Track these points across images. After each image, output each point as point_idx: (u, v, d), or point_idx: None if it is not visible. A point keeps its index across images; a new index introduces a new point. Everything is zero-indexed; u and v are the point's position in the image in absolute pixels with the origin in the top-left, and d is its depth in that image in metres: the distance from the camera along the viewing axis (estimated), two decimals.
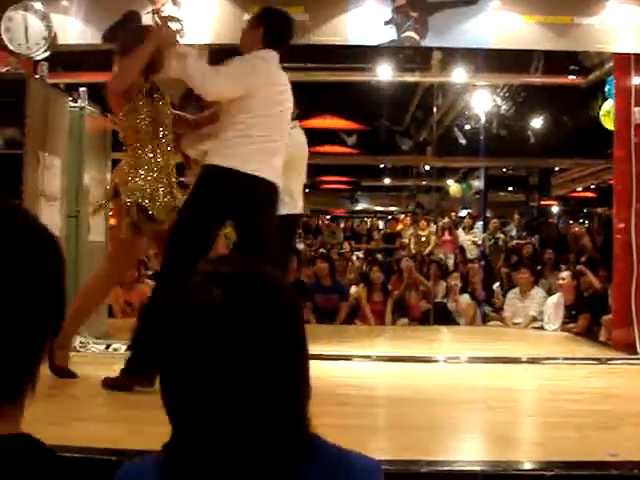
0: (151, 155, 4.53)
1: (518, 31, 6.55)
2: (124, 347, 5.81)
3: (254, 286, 1.14)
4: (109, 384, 4.22)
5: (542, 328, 8.67)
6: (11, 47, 6.32)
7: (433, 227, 13.52)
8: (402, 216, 17.80)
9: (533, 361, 6.11)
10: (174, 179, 4.68)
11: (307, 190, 20.13)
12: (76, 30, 6.51)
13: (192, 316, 1.11)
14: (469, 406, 4.48)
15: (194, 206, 4.34)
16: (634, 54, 6.68)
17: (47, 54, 6.35)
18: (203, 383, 1.08)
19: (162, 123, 4.59)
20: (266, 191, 4.41)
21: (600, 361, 6.14)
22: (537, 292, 9.11)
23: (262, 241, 4.30)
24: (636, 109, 6.71)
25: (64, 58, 7.26)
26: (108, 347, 5.92)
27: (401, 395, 4.69)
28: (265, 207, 4.43)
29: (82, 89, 6.63)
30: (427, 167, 16.63)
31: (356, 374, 5.38)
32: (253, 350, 1.09)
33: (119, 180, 4.56)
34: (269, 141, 4.41)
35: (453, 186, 17.08)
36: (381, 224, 18.62)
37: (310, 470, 1.14)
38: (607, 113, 7.24)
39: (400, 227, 15.59)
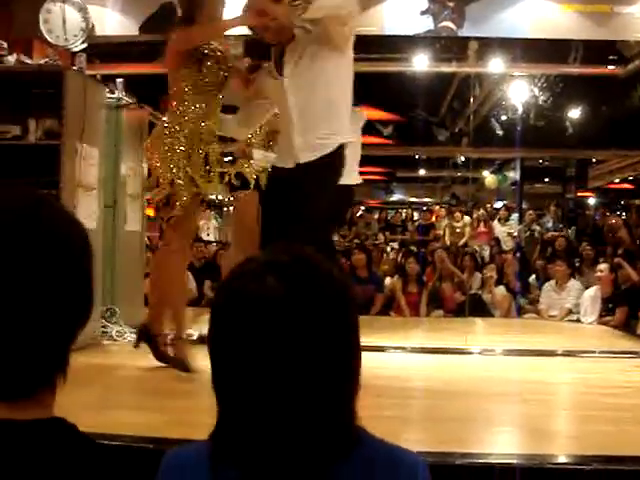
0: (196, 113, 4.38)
1: (556, 20, 6.50)
2: (196, 334, 5.81)
3: (311, 276, 1.15)
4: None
5: (578, 321, 8.59)
6: (49, 39, 6.40)
7: (468, 219, 13.44)
8: (436, 207, 17.71)
9: (569, 354, 6.04)
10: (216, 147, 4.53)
11: None
12: (113, 22, 6.59)
13: (248, 304, 1.12)
14: (504, 399, 4.45)
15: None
16: None
17: (84, 46, 6.42)
18: (256, 371, 1.10)
19: (212, 87, 4.44)
20: None
21: (638, 355, 6.07)
22: (573, 284, 9.02)
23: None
24: None
25: (101, 49, 7.33)
26: None
27: (435, 387, 4.68)
28: None
29: (119, 80, 6.67)
30: (462, 158, 16.52)
31: (391, 365, 5.36)
32: (307, 340, 1.10)
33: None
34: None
35: (489, 177, 16.96)
36: (415, 215, 18.53)
37: (351, 462, 1.14)
38: None
39: (434, 218, 15.51)
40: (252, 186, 5.24)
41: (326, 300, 1.13)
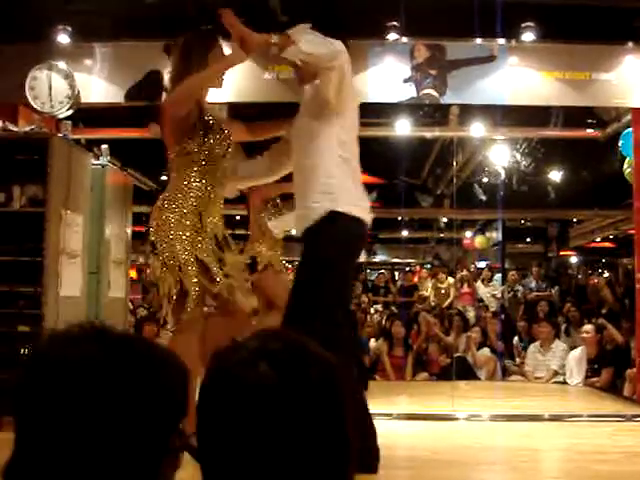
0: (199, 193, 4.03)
1: (536, 87, 6.61)
2: None
3: (304, 365, 1.13)
4: None
5: (564, 382, 8.56)
6: (35, 106, 6.43)
7: (451, 279, 13.46)
8: (418, 268, 17.72)
9: (557, 418, 6.02)
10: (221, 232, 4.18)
11: None
12: (99, 89, 6.63)
13: (240, 391, 1.10)
14: (492, 467, 4.42)
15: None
16: None
17: (70, 112, 6.46)
18: (246, 457, 1.08)
19: (217, 159, 4.11)
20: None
21: (625, 418, 6.05)
22: (558, 345, 9.01)
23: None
24: None
25: (86, 113, 7.37)
26: None
27: (421, 456, 4.62)
28: None
29: (104, 146, 6.71)
30: (445, 219, 16.63)
31: (378, 433, 5.29)
32: (298, 427, 1.08)
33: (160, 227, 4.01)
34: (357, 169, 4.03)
35: (479, 238, 17.05)
36: (397, 275, 18.54)
37: None
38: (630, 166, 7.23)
39: (416, 279, 15.52)
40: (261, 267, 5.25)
41: (318, 389, 1.11)
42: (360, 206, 3.93)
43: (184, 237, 3.93)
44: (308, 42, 3.65)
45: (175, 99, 4.04)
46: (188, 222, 3.96)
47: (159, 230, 3.96)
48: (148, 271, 4.28)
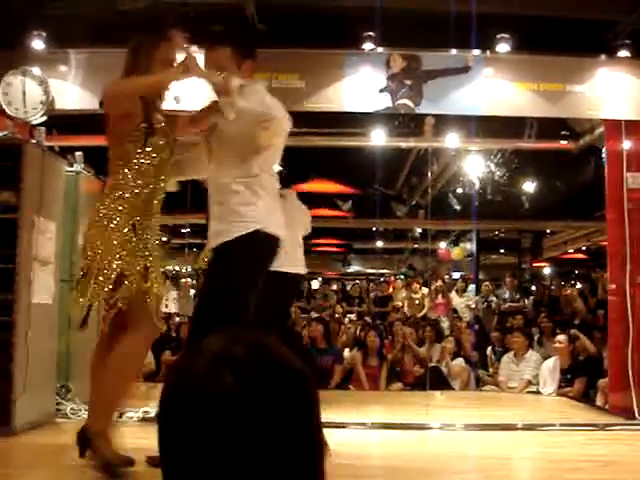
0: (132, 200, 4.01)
1: (510, 98, 6.66)
2: (125, 415, 5.69)
3: (270, 372, 1.05)
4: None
5: (538, 392, 8.60)
6: (8, 111, 6.37)
7: (426, 290, 13.49)
8: (392, 278, 17.76)
9: (530, 427, 6.04)
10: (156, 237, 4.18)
11: None
12: (74, 95, 6.59)
13: (203, 406, 1.02)
14: (465, 476, 4.41)
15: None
16: (624, 120, 6.79)
17: (44, 119, 6.41)
18: (215, 475, 1.01)
19: (153, 165, 4.10)
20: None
21: (598, 427, 6.09)
22: (531, 355, 9.06)
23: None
24: (628, 174, 6.79)
25: (59, 121, 7.31)
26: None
27: (397, 465, 4.62)
28: None
29: (78, 153, 6.66)
30: (419, 230, 16.70)
31: (351, 442, 5.29)
32: (269, 439, 1.02)
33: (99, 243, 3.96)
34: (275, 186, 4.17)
35: (456, 249, 17.11)
36: (372, 287, 18.58)
37: None
38: None
39: (391, 290, 15.55)
40: None
41: (289, 397, 1.05)
42: (276, 224, 4.03)
43: (116, 246, 3.94)
44: (246, 99, 3.76)
45: (112, 93, 4.08)
46: (119, 231, 3.96)
47: (93, 240, 3.97)
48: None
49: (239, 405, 1.01)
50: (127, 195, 4.01)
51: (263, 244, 3.95)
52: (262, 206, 3.96)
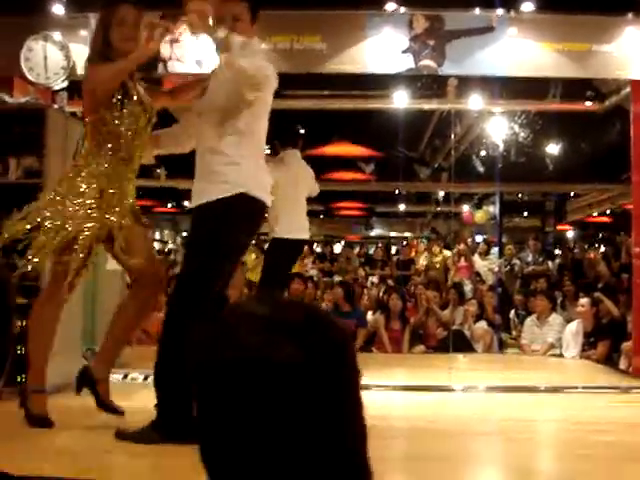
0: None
1: (535, 58, 6.57)
2: (142, 376, 5.81)
3: (328, 340, 1.03)
4: (128, 437, 3.78)
5: (561, 355, 8.59)
6: (30, 77, 6.38)
7: (447, 252, 13.44)
8: (415, 242, 17.70)
9: (553, 390, 6.04)
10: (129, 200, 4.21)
11: (321, 216, 20.23)
12: None
13: (260, 370, 0.99)
14: (488, 438, 4.43)
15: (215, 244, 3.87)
16: None
17: (66, 84, 6.41)
18: (259, 440, 0.98)
19: (128, 133, 4.12)
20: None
21: (621, 390, 6.08)
22: (555, 319, 9.03)
23: None
24: None
25: (81, 85, 7.31)
26: (126, 376, 5.90)
27: (419, 426, 4.65)
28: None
29: None
30: (442, 193, 16.63)
31: (374, 404, 5.31)
32: (316, 403, 1.00)
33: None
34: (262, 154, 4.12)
35: (479, 213, 17.02)
36: (394, 249, 18.54)
37: None
38: None
39: (413, 253, 15.51)
40: None
41: (341, 364, 1.04)
42: (262, 187, 3.98)
43: (81, 209, 4.01)
44: (245, 59, 3.73)
45: (100, 81, 4.07)
46: (88, 195, 4.03)
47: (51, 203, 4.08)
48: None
49: (302, 371, 0.99)
50: (100, 162, 4.07)
51: (247, 208, 3.90)
52: (246, 167, 3.90)
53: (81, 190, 4.05)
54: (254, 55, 3.87)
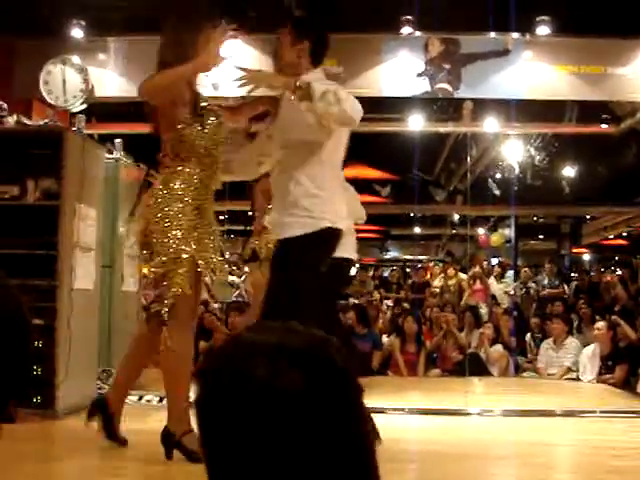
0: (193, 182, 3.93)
1: (550, 81, 6.59)
2: (157, 399, 5.81)
3: (329, 366, 1.02)
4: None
5: (578, 379, 8.52)
6: (49, 100, 6.46)
7: (462, 275, 13.40)
8: (431, 264, 17.66)
9: (569, 414, 5.99)
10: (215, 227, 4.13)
11: None
12: (113, 83, 6.65)
13: (260, 397, 0.98)
14: (505, 462, 4.40)
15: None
16: None
17: (84, 107, 6.48)
18: (264, 468, 0.97)
19: (211, 147, 4.02)
20: None
21: (639, 414, 6.01)
22: (571, 342, 8.97)
23: None
24: None
25: (99, 108, 7.39)
26: (141, 398, 5.90)
27: (435, 450, 4.61)
28: None
29: (117, 140, 6.72)
30: (457, 216, 16.62)
31: (390, 427, 5.29)
32: (319, 433, 0.98)
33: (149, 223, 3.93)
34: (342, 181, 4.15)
35: (494, 236, 17.00)
36: (408, 271, 18.51)
37: None
38: None
39: (429, 276, 15.47)
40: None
41: (345, 387, 1.02)
42: (341, 217, 3.95)
43: (182, 232, 3.86)
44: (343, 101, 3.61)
45: (151, 88, 3.96)
46: (187, 216, 3.89)
47: (156, 224, 3.89)
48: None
49: (305, 399, 0.98)
50: (192, 179, 3.95)
51: (329, 241, 3.89)
52: (328, 199, 3.87)
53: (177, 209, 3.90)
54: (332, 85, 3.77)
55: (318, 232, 3.81)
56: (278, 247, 3.97)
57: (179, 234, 3.86)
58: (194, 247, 3.89)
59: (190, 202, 3.93)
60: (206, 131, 3.99)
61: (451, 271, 13.51)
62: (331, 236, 3.89)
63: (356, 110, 3.70)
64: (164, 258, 3.85)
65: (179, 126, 3.95)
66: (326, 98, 3.59)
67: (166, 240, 3.86)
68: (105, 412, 4.12)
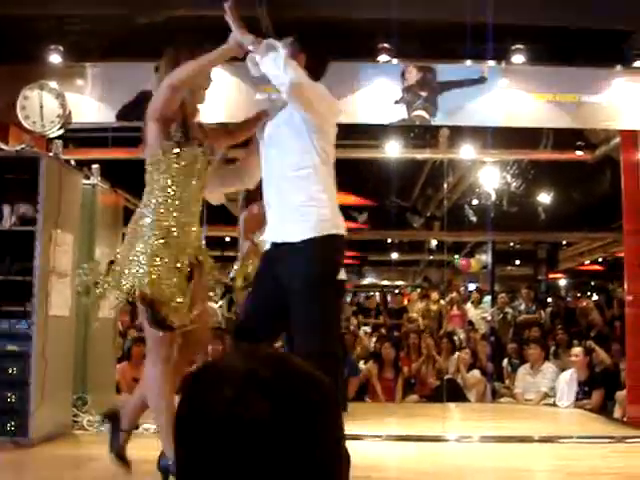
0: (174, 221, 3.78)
1: (526, 109, 6.65)
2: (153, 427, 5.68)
3: (298, 394, 1.01)
4: None
5: (554, 404, 8.54)
6: (26, 125, 6.43)
7: (442, 302, 13.44)
8: (408, 290, 17.69)
9: (547, 440, 6.00)
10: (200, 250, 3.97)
11: None
12: (91, 109, 6.63)
13: (227, 426, 0.97)
14: None
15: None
16: None
17: (61, 132, 6.45)
18: None
19: (196, 170, 3.87)
20: None
21: (616, 439, 6.03)
22: (548, 367, 9.01)
23: None
24: None
25: (76, 134, 7.38)
26: (137, 427, 5.82)
27: (411, 477, 4.60)
28: None
29: (95, 166, 6.70)
30: (434, 242, 16.69)
31: (367, 454, 5.27)
32: (289, 461, 0.98)
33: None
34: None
35: (472, 261, 17.07)
36: (388, 298, 18.51)
37: None
38: None
39: (406, 302, 15.48)
40: None
41: (313, 419, 1.01)
42: (342, 218, 3.81)
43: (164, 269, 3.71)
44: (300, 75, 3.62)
45: (180, 75, 3.77)
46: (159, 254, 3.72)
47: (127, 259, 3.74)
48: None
49: (270, 428, 0.97)
50: (168, 205, 3.80)
51: (336, 246, 3.73)
52: (328, 201, 3.69)
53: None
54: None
55: (328, 239, 3.63)
56: (284, 250, 3.70)
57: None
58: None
59: (164, 237, 3.76)
60: (185, 156, 3.83)
61: (434, 295, 13.53)
62: (342, 246, 3.75)
63: (308, 83, 3.66)
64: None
65: (160, 150, 3.81)
66: (276, 62, 3.57)
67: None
68: (116, 425, 3.97)
